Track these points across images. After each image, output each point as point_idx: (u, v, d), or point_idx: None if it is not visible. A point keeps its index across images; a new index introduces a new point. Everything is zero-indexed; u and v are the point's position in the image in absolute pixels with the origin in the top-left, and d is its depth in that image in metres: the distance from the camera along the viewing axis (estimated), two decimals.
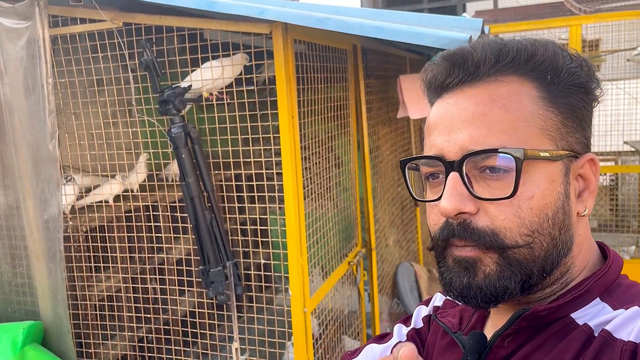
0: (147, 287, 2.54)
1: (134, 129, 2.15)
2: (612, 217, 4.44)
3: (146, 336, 2.60)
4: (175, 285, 2.34)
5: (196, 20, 1.93)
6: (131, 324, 2.39)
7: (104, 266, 2.40)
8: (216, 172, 2.46)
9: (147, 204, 2.33)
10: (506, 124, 0.62)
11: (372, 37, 1.79)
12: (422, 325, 0.86)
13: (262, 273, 2.21)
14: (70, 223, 2.30)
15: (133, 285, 2.52)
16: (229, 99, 2.04)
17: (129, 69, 2.09)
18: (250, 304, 2.75)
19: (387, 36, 1.69)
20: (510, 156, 0.60)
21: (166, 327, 2.59)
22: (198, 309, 2.55)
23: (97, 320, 2.42)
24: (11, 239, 2.35)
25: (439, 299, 0.86)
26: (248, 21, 1.84)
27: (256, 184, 2.11)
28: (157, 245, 2.50)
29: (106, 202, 2.40)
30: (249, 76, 2.03)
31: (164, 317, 2.50)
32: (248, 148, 2.02)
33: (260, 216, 2.28)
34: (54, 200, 2.17)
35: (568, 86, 0.64)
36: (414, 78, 3.01)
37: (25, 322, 2.23)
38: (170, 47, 2.02)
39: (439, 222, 0.66)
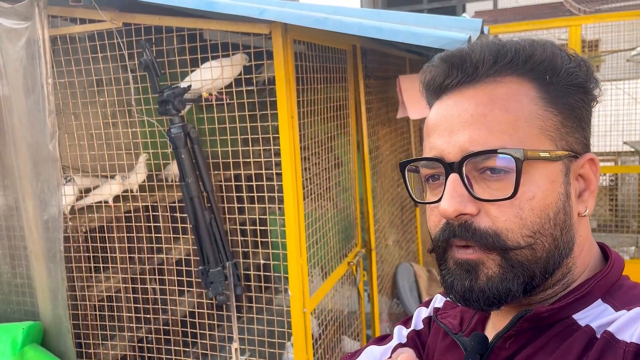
0: (147, 288, 2.53)
1: (134, 129, 2.15)
2: (611, 217, 4.44)
3: (146, 336, 2.59)
4: (175, 286, 2.34)
5: (196, 21, 1.93)
6: (131, 325, 2.38)
7: (103, 266, 2.40)
8: (216, 172, 2.46)
9: (146, 204, 2.33)
10: (506, 125, 0.61)
11: (371, 37, 1.79)
12: (423, 327, 0.85)
13: (261, 273, 2.21)
14: (70, 223, 2.30)
15: (133, 285, 2.52)
16: (228, 99, 2.04)
17: (129, 69, 2.09)
18: (250, 304, 2.75)
19: (385, 36, 1.69)
20: (510, 157, 0.60)
21: (166, 327, 2.58)
22: (198, 309, 2.55)
23: (96, 321, 2.42)
24: (11, 239, 2.35)
25: (439, 301, 0.85)
26: (247, 21, 1.84)
27: (256, 184, 2.11)
28: (156, 245, 2.50)
29: (106, 202, 2.40)
30: (248, 76, 2.03)
31: (164, 317, 2.49)
32: (248, 148, 2.02)
33: (260, 216, 2.28)
34: (53, 201, 2.17)
35: (567, 86, 0.64)
36: (413, 78, 3.01)
37: (24, 323, 2.23)
38: (170, 47, 2.02)
39: (439, 224, 0.65)
